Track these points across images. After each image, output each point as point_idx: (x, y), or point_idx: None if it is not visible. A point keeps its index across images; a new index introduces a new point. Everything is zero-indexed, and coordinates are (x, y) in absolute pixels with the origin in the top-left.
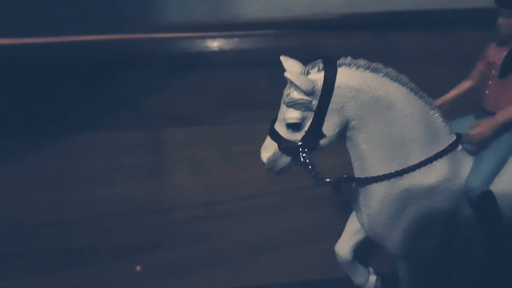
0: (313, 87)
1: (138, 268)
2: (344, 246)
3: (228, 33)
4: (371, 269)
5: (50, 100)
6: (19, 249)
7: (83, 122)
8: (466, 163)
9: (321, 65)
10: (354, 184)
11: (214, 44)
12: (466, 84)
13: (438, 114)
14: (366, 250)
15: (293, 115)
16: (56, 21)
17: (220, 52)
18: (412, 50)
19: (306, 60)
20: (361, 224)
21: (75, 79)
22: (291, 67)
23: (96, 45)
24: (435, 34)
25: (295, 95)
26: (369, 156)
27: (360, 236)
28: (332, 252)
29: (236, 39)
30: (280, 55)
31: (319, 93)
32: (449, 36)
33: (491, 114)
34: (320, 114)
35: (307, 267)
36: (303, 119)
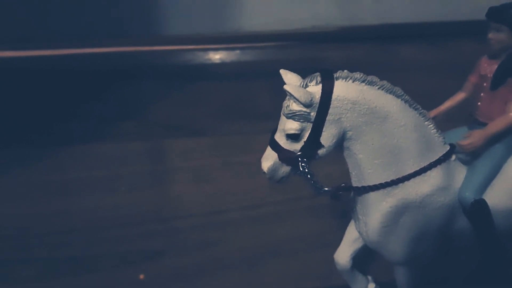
0: (311, 99)
1: (141, 276)
2: (343, 255)
3: (229, 46)
4: (370, 277)
5: (53, 111)
6: (23, 256)
7: (86, 132)
8: (460, 173)
9: (319, 78)
10: (352, 192)
11: (216, 56)
12: (459, 96)
13: (432, 125)
14: (365, 259)
15: (292, 126)
16: (67, 34)
17: (222, 64)
18: (411, 61)
19: (306, 71)
20: (359, 232)
21: (79, 90)
22: (290, 80)
23: (100, 57)
24: (433, 46)
25: (294, 107)
26: (366, 166)
27: (359, 244)
28: (332, 260)
29: (237, 51)
30: (281, 67)
31: (317, 105)
32: (447, 48)
33: (484, 125)
34: (318, 125)
35: (307, 275)
36: (302, 130)
